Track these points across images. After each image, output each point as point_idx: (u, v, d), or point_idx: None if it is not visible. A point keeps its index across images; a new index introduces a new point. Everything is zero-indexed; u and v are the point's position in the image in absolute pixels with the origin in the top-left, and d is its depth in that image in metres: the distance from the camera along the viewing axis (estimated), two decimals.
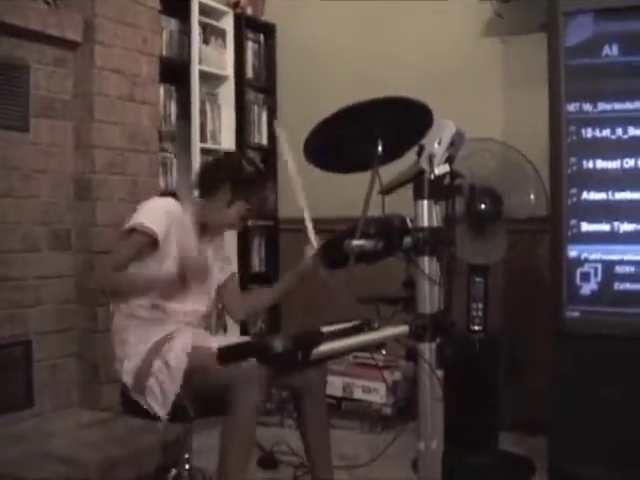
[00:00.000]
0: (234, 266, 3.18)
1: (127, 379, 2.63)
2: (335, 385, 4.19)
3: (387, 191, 2.20)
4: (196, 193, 2.82)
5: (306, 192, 4.62)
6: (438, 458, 2.21)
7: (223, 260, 2.94)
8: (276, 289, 2.99)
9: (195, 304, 2.77)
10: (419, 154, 2.17)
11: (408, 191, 2.20)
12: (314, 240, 2.80)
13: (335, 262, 2.17)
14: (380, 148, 2.11)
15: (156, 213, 2.64)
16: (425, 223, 2.15)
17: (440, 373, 2.16)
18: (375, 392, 4.18)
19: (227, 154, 3.39)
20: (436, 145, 2.13)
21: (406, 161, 2.27)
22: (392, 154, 2.20)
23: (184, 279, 2.54)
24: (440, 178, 2.13)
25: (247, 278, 4.57)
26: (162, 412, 2.56)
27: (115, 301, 2.67)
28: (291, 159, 2.80)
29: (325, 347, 1.94)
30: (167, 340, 2.62)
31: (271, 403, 4.22)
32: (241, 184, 2.72)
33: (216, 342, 2.57)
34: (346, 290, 2.03)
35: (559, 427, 3.37)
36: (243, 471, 2.49)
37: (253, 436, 2.54)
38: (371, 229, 2.09)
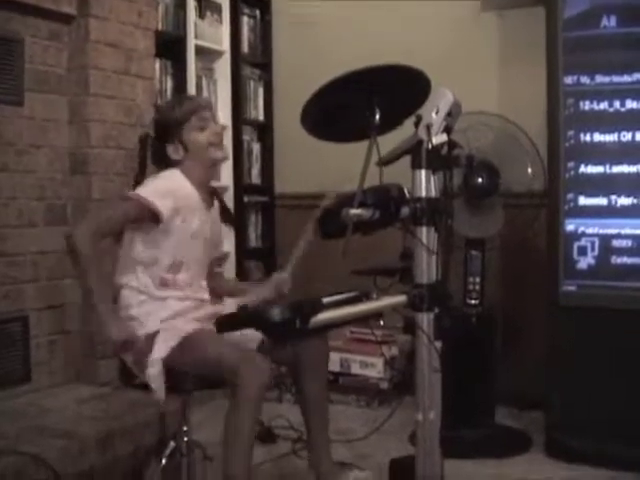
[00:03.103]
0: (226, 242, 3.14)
1: (129, 358, 2.59)
2: (332, 360, 4.14)
3: (385, 162, 2.19)
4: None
5: (303, 167, 4.65)
6: (436, 429, 2.22)
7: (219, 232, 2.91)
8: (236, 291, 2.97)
9: (199, 277, 2.75)
10: (416, 124, 2.17)
11: (406, 162, 2.20)
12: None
13: (332, 232, 2.17)
14: (378, 117, 2.10)
15: (164, 189, 2.58)
16: (423, 193, 2.15)
17: (438, 344, 2.17)
18: (372, 367, 4.19)
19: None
20: (434, 114, 2.13)
21: (403, 133, 2.26)
22: (390, 123, 2.19)
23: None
24: (438, 148, 2.13)
25: (244, 254, 4.57)
26: (160, 391, 2.53)
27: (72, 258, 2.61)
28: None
29: (323, 315, 1.94)
30: (171, 318, 2.59)
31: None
32: (173, 122, 2.68)
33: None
34: (343, 262, 2.03)
35: (555, 401, 3.39)
36: (247, 460, 2.45)
37: (255, 424, 2.49)
38: (368, 198, 2.09)
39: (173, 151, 2.67)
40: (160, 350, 2.49)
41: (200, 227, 2.69)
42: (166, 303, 2.62)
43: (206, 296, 2.77)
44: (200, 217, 2.69)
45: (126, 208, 2.58)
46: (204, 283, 2.79)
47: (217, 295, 2.81)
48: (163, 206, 2.53)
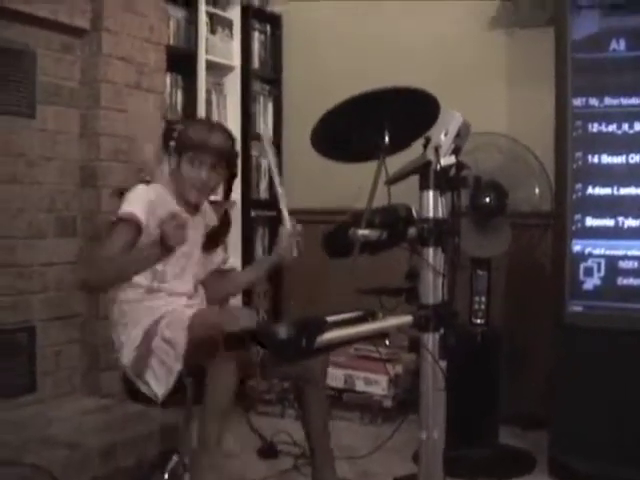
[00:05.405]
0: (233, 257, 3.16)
1: (127, 363, 2.65)
2: (336, 377, 4.19)
3: (393, 182, 2.20)
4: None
5: (311, 183, 4.66)
6: (440, 448, 2.22)
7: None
8: (249, 276, 3.06)
9: (187, 284, 2.79)
10: (425, 146, 2.18)
11: (414, 183, 2.21)
12: (288, 223, 2.83)
13: (339, 251, 2.18)
14: (387, 138, 2.11)
15: (136, 199, 2.63)
16: (430, 214, 2.16)
17: (443, 363, 2.17)
18: (376, 384, 4.18)
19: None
20: (442, 136, 2.14)
21: (412, 153, 2.27)
22: (399, 144, 2.20)
23: (166, 239, 2.43)
24: (446, 169, 2.14)
25: None
26: (161, 391, 2.56)
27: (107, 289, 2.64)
28: (273, 160, 2.87)
29: (329, 335, 1.95)
30: (162, 318, 2.63)
31: (272, 393, 4.24)
32: (180, 142, 2.72)
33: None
34: (349, 279, 2.04)
35: (560, 421, 3.38)
36: (219, 437, 2.49)
37: (231, 401, 2.51)
38: (376, 219, 2.10)
39: (170, 160, 2.74)
40: (181, 341, 2.52)
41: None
42: (154, 308, 2.67)
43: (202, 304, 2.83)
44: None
45: (124, 234, 2.59)
46: (201, 292, 2.85)
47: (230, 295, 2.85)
48: (139, 212, 2.58)
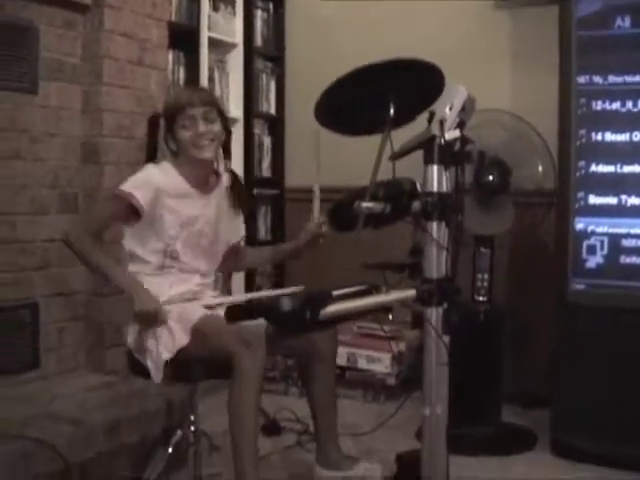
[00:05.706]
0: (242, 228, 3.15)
1: (130, 339, 2.65)
2: (339, 355, 4.15)
3: (397, 157, 2.20)
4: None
5: (311, 160, 4.65)
6: (443, 424, 2.23)
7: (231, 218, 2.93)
8: (275, 253, 3.08)
9: (200, 263, 2.78)
10: (430, 120, 2.17)
11: (418, 158, 2.20)
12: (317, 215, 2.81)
13: (343, 224, 2.18)
14: (392, 111, 2.11)
15: (143, 183, 2.62)
16: (434, 188, 2.16)
17: (446, 338, 2.18)
18: (379, 362, 4.19)
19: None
20: (447, 110, 2.14)
21: (415, 130, 2.27)
22: (403, 118, 2.20)
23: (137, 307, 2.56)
24: (450, 143, 2.14)
25: (254, 246, 4.57)
26: (157, 376, 2.56)
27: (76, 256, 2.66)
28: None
29: (333, 307, 1.95)
30: (173, 303, 2.62)
31: (275, 371, 4.25)
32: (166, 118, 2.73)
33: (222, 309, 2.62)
34: (353, 255, 2.05)
35: (562, 400, 3.38)
36: (254, 441, 2.46)
37: (259, 403, 2.50)
38: (380, 192, 2.10)
39: (170, 142, 2.73)
40: (182, 339, 2.52)
41: (195, 214, 2.71)
42: (165, 288, 2.66)
43: (211, 292, 2.82)
44: (193, 204, 2.71)
45: (111, 206, 2.67)
46: (211, 273, 2.83)
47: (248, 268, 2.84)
48: (142, 198, 2.58)
